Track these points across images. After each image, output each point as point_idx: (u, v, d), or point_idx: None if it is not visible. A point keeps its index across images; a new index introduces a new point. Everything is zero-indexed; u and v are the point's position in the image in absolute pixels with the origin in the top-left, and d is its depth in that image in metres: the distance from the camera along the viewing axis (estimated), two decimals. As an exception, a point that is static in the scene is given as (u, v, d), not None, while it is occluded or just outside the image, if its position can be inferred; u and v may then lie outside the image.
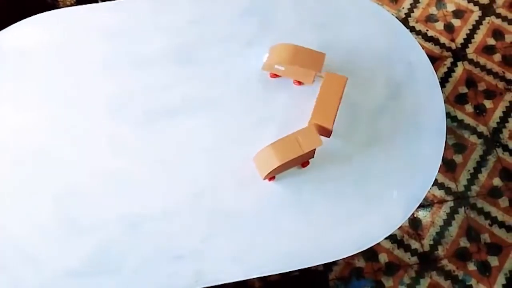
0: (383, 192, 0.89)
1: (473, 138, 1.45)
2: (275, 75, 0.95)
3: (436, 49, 1.57)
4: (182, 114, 0.93)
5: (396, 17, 1.13)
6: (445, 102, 0.96)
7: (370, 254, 1.32)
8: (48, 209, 0.87)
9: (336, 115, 0.87)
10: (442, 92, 0.97)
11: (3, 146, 0.91)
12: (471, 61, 1.55)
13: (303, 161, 0.89)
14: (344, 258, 0.88)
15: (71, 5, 1.49)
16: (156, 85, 0.95)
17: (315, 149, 0.85)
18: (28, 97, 0.95)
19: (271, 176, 0.88)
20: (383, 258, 1.33)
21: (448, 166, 1.42)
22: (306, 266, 0.85)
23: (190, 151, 0.91)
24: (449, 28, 1.60)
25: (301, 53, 0.90)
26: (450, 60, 1.56)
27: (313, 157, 0.89)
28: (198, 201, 0.87)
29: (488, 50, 1.57)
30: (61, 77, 0.96)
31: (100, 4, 1.05)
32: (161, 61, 0.97)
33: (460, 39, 1.59)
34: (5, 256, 0.84)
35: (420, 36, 1.59)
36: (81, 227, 0.86)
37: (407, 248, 1.34)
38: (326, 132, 0.88)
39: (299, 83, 0.95)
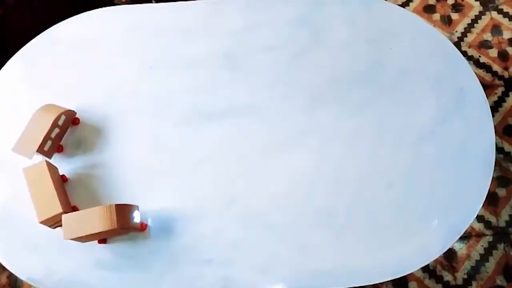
0: (422, 221, 0.86)
1: (520, 173, 1.39)
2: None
3: (487, 77, 1.52)
4: (224, 119, 0.93)
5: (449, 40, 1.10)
6: (493, 133, 0.92)
7: (400, 281, 1.28)
8: (85, 200, 0.88)
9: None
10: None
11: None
12: (524, 92, 1.49)
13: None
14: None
15: (126, 2, 1.54)
16: (201, 87, 0.96)
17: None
18: (78, 88, 0.98)
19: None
20: (412, 286, 1.28)
21: (490, 199, 1.36)
22: (333, 287, 0.83)
23: (229, 155, 0.91)
24: (503, 56, 1.54)
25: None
26: (501, 89, 1.50)
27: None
28: (233, 207, 0.87)
29: (543, 82, 1.50)
30: (110, 72, 0.99)
31: (155, 4, 1.08)
32: (210, 64, 0.98)
33: (514, 68, 1.53)
34: (41, 241, 0.86)
35: (471, 62, 1.54)
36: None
37: (439, 279, 1.28)
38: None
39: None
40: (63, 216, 0.79)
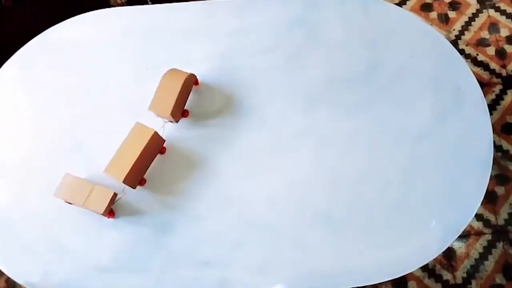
0: (420, 220, 0.85)
1: (518, 171, 1.39)
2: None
3: (485, 75, 1.52)
4: (220, 120, 0.93)
5: (446, 39, 1.10)
6: (491, 131, 0.92)
7: (399, 280, 1.28)
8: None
9: (135, 167, 0.84)
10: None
11: (42, 139, 0.94)
12: (522, 90, 1.49)
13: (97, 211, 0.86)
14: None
15: (122, 3, 1.53)
16: (197, 89, 0.96)
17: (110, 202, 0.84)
18: (74, 90, 0.97)
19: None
20: (412, 286, 1.28)
21: (488, 197, 1.36)
22: (332, 288, 0.83)
23: (226, 156, 0.91)
24: (501, 54, 1.54)
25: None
26: (499, 87, 1.50)
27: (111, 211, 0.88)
28: (231, 207, 0.87)
29: (541, 80, 1.50)
30: (106, 74, 0.99)
31: (150, 6, 1.07)
32: (204, 66, 0.98)
33: (512, 66, 1.52)
34: (38, 244, 0.86)
35: (469, 60, 1.53)
36: (113, 223, 0.87)
37: (438, 278, 1.28)
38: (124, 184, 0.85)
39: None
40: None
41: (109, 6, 1.48)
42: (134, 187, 0.87)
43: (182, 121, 0.93)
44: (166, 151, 0.92)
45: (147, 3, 1.38)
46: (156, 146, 0.90)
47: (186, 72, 0.91)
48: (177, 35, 1.01)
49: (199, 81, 0.96)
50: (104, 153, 0.91)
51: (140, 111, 0.94)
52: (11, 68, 1.01)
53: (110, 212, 0.87)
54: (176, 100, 0.87)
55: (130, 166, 0.83)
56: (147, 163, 0.89)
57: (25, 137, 0.94)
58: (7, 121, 0.96)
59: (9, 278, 0.84)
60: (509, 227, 1.33)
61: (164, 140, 0.91)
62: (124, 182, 0.83)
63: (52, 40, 1.03)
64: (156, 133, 0.87)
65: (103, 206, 0.83)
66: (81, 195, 0.84)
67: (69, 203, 0.87)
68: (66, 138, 0.93)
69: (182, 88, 0.88)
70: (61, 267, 0.85)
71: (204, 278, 0.83)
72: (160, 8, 1.05)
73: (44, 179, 0.90)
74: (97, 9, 1.06)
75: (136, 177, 0.87)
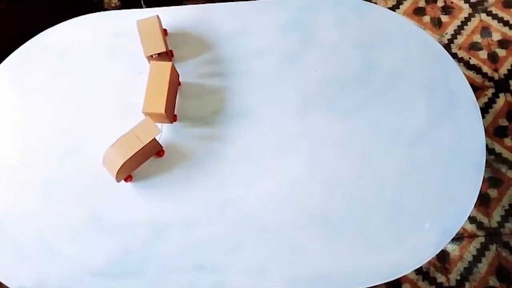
0: (414, 223, 0.86)
1: (511, 173, 1.40)
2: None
3: (477, 78, 1.53)
4: (216, 123, 0.93)
5: (439, 42, 1.11)
6: (484, 134, 0.93)
7: (393, 283, 1.28)
8: (76, 207, 0.88)
9: (168, 99, 0.87)
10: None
11: (36, 143, 0.94)
12: (514, 93, 1.51)
13: (153, 152, 0.89)
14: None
15: (116, 6, 1.53)
16: (192, 92, 0.96)
17: (156, 138, 0.86)
18: (68, 93, 0.97)
19: (127, 176, 0.89)
20: (406, 288, 1.28)
21: (481, 200, 1.37)
22: (328, 291, 0.83)
23: (221, 159, 0.91)
24: (493, 58, 1.56)
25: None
26: (491, 90, 1.51)
27: (161, 147, 0.90)
28: (225, 212, 0.87)
29: (533, 84, 1.52)
30: (100, 77, 0.98)
31: (145, 9, 1.07)
32: (199, 69, 0.98)
33: (504, 70, 1.54)
34: (32, 249, 0.86)
35: (462, 64, 1.55)
36: (107, 228, 0.86)
37: (432, 281, 1.29)
38: (165, 118, 0.88)
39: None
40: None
41: (104, 9, 1.48)
42: (171, 122, 0.91)
43: (174, 124, 0.93)
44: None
45: (141, 7, 1.38)
46: (176, 78, 0.93)
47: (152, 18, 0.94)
48: (172, 38, 1.01)
49: (193, 83, 0.96)
50: (100, 155, 0.91)
51: (135, 113, 0.94)
52: (5, 70, 1.00)
53: (160, 151, 0.90)
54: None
55: (165, 98, 0.85)
56: (174, 95, 0.92)
57: (19, 140, 0.94)
58: (1, 124, 0.96)
59: (1, 283, 0.84)
60: (502, 230, 1.34)
61: (179, 75, 0.94)
62: (165, 113, 0.85)
63: (47, 43, 1.02)
64: (173, 65, 0.89)
65: (156, 129, 0.83)
66: (131, 143, 0.83)
67: (129, 179, 0.88)
68: (60, 140, 0.93)
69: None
70: (55, 271, 0.84)
71: (199, 282, 0.83)
72: (155, 11, 1.05)
73: (38, 182, 0.90)
74: (91, 12, 1.05)
75: (171, 110, 0.90)
